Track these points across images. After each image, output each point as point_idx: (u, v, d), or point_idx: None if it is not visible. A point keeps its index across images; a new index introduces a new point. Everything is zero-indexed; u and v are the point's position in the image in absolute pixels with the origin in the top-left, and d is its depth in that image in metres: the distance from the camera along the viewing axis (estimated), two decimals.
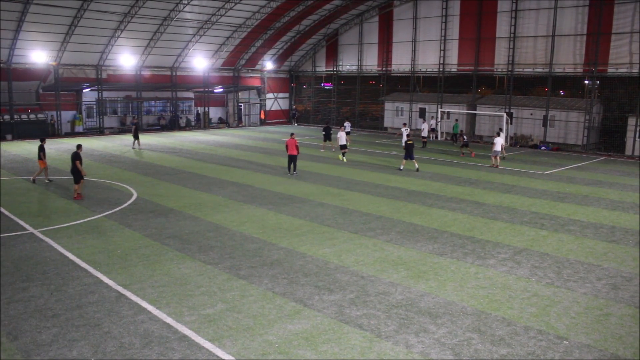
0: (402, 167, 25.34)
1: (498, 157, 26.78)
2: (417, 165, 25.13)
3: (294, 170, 23.55)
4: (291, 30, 46.42)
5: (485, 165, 27.31)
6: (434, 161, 28.70)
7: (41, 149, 20.71)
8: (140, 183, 21.35)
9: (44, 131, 37.62)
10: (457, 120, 38.51)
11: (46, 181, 21.21)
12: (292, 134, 24.22)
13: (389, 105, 45.38)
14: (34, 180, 21.14)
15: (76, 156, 18.32)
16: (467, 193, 20.28)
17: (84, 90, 40.39)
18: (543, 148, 34.91)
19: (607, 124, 35.14)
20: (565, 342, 8.62)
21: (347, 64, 48.87)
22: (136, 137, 32.20)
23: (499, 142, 26.42)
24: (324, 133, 32.89)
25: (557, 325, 9.19)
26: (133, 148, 32.05)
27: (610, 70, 33.23)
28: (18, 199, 18.36)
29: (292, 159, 23.41)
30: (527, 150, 34.73)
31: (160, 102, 45.73)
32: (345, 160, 28.09)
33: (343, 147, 28.24)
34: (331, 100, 51.07)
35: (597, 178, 24.29)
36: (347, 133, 34.40)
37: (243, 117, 51.41)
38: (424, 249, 13.34)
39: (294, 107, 53.41)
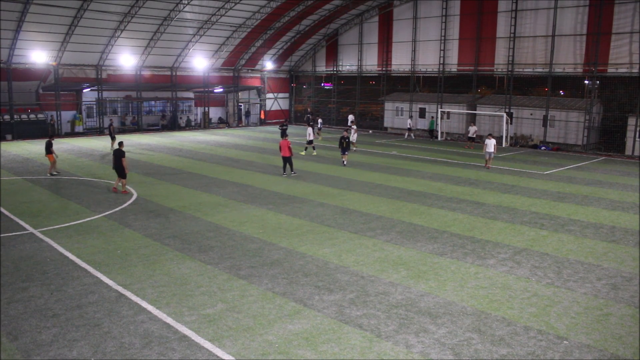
0: (345, 162, 26.66)
1: (490, 158, 26.43)
2: (345, 161, 26.77)
3: (292, 170, 23.49)
4: (291, 30, 46.43)
5: (482, 165, 27.36)
6: (434, 161, 28.70)
7: (50, 145, 22.91)
8: (140, 183, 21.36)
9: (44, 131, 37.68)
10: (432, 117, 40.95)
11: (54, 174, 23.11)
12: (285, 136, 24.16)
13: (389, 105, 45.38)
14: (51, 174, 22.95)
15: (121, 153, 19.35)
16: (467, 193, 20.28)
17: (84, 90, 40.38)
18: (543, 148, 34.90)
19: (607, 124, 35.12)
20: (565, 342, 8.63)
21: (347, 64, 48.86)
22: (113, 138, 31.39)
23: (491, 143, 25.94)
24: (280, 130, 34.83)
25: (557, 325, 9.19)
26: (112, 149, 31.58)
27: (610, 70, 33.22)
28: (18, 199, 18.37)
29: (286, 160, 23.33)
30: (527, 150, 34.73)
31: (160, 102, 45.73)
32: (303, 154, 30.07)
33: (309, 142, 30.47)
34: (331, 100, 51.07)
35: (597, 178, 24.29)
36: (319, 129, 39.24)
37: (243, 117, 51.48)
38: (424, 249, 13.34)
39: (309, 109, 52.07)
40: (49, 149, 22.92)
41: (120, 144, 20.24)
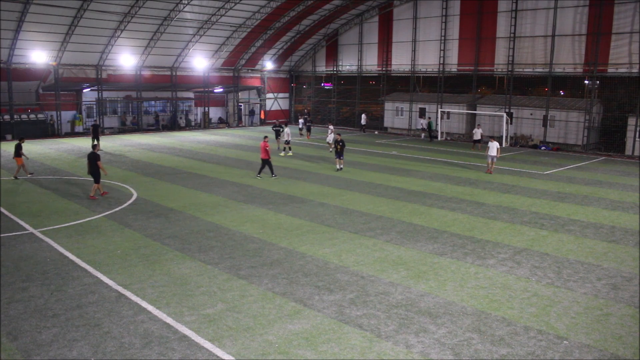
0: (339, 167, 25.15)
1: (492, 162, 24.94)
2: (339, 166, 25.19)
3: (259, 173, 22.96)
4: (291, 30, 46.42)
5: (483, 165, 27.32)
6: (434, 161, 28.70)
7: (19, 147, 22.33)
8: (140, 183, 21.36)
9: (44, 131, 37.71)
10: (429, 118, 40.37)
11: (25, 176, 22.62)
12: (265, 137, 23.47)
13: (389, 105, 45.37)
14: (16, 177, 22.41)
15: (96, 156, 18.59)
16: (467, 193, 20.28)
17: (84, 90, 40.38)
18: (543, 148, 34.90)
19: (607, 124, 35.12)
20: (565, 342, 8.63)
21: (347, 64, 48.86)
22: (96, 139, 30.67)
23: (494, 147, 24.39)
24: (274, 131, 34.32)
25: (557, 325, 9.19)
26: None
27: (610, 70, 33.22)
28: (18, 199, 18.37)
29: (264, 163, 22.71)
30: (527, 150, 34.72)
31: (160, 102, 45.74)
32: (283, 155, 29.85)
33: (287, 142, 30.55)
34: (331, 100, 51.07)
35: (597, 178, 24.28)
36: (301, 129, 39.99)
37: (247, 117, 51.55)
38: (424, 249, 13.34)
39: (305, 110, 51.44)
40: (17, 152, 22.10)
41: (95, 146, 19.53)
